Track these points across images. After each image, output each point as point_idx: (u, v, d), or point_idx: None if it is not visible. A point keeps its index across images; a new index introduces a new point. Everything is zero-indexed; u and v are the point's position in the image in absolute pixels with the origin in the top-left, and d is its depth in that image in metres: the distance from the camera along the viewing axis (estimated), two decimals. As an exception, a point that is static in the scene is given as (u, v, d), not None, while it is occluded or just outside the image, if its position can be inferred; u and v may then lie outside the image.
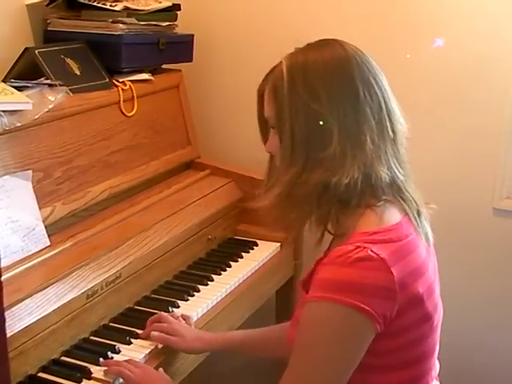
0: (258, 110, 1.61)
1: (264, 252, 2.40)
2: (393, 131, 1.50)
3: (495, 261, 2.55)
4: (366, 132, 1.45)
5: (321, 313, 1.42)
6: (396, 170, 1.50)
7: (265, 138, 1.61)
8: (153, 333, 1.82)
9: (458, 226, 2.56)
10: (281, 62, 1.52)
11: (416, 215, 1.53)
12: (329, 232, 1.56)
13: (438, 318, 1.56)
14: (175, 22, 2.58)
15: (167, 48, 2.51)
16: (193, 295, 2.07)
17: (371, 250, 1.39)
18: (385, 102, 1.50)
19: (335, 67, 1.48)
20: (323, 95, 1.45)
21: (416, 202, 1.54)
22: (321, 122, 1.45)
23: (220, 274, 2.22)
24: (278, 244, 2.45)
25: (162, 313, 1.90)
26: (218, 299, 2.08)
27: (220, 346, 1.88)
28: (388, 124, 1.49)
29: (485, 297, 2.60)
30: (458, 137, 2.52)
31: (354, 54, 1.50)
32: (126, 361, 1.71)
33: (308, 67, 1.47)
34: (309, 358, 1.43)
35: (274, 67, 1.55)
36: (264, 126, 1.60)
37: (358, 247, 1.40)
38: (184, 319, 1.91)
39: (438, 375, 1.66)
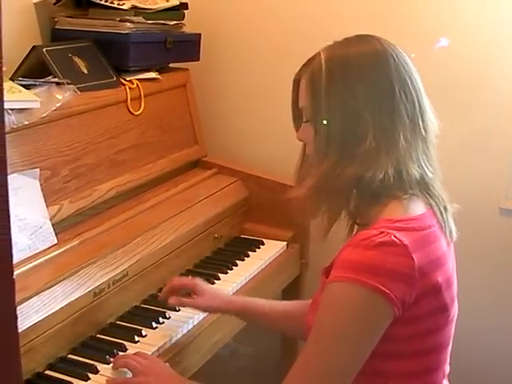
0: (292, 98, 1.62)
1: (270, 251, 2.40)
2: (424, 130, 1.54)
3: (501, 260, 2.55)
4: (399, 129, 1.48)
5: (342, 292, 1.43)
6: (425, 168, 1.53)
7: (297, 127, 1.63)
8: (170, 299, 1.86)
9: (465, 225, 2.53)
10: (319, 53, 1.54)
11: (443, 210, 1.55)
12: (358, 224, 1.59)
13: (454, 312, 1.57)
14: (182, 21, 2.58)
15: (174, 47, 2.51)
16: (199, 294, 2.07)
17: (395, 236, 1.41)
18: (418, 101, 1.52)
19: (373, 65, 1.50)
20: (361, 92, 1.47)
21: (443, 199, 1.57)
22: (357, 118, 1.47)
23: (226, 273, 2.22)
24: (285, 243, 2.45)
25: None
26: (225, 298, 2.08)
27: (232, 308, 1.90)
28: (420, 123, 1.52)
29: (491, 296, 2.59)
30: (464, 137, 2.52)
31: (391, 53, 1.51)
32: (135, 353, 1.72)
33: (347, 61, 1.50)
34: (329, 336, 1.44)
35: (312, 58, 1.55)
36: (297, 114, 1.61)
37: (382, 232, 1.42)
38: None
39: (448, 376, 1.65)
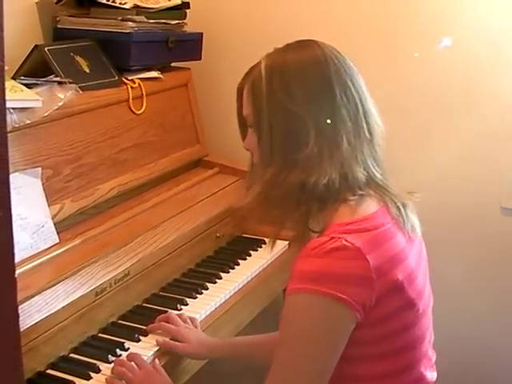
0: (237, 107, 1.63)
1: (272, 250, 2.40)
2: (369, 132, 1.52)
3: (503, 259, 2.54)
4: (342, 133, 1.47)
5: (299, 304, 1.43)
6: (373, 170, 1.52)
7: (243, 136, 1.63)
8: (159, 339, 1.81)
9: (467, 224, 2.56)
10: (260, 61, 1.54)
11: (400, 206, 1.53)
12: (310, 230, 1.56)
13: (425, 305, 1.55)
14: (184, 21, 2.58)
15: (176, 46, 2.51)
16: (201, 293, 2.07)
17: (346, 240, 1.40)
18: (361, 103, 1.51)
19: (313, 68, 1.49)
20: (300, 96, 1.47)
21: (399, 196, 1.56)
22: (298, 123, 1.46)
23: (228, 272, 2.22)
24: (286, 242, 2.45)
25: (172, 313, 1.90)
26: (227, 297, 2.08)
27: (221, 353, 1.87)
28: (364, 125, 1.51)
29: (493, 295, 2.59)
30: (466, 136, 2.52)
31: (331, 56, 1.51)
32: (133, 356, 1.71)
33: (286, 67, 1.49)
34: (292, 350, 1.44)
35: (254, 66, 1.57)
36: (243, 123, 1.61)
37: (333, 238, 1.41)
38: (191, 321, 1.90)
39: (436, 364, 1.65)
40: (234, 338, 2.01)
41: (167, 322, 1.86)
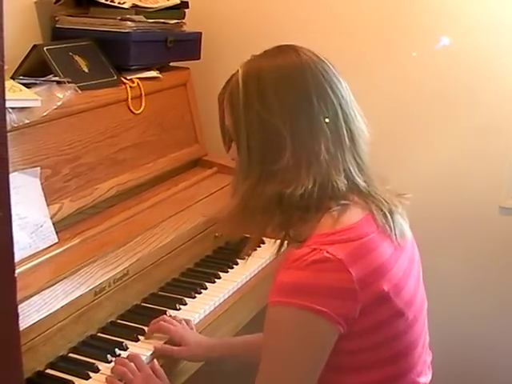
0: (219, 117, 1.61)
1: (271, 250, 2.38)
2: (351, 139, 1.48)
3: (502, 259, 2.55)
4: (320, 142, 1.44)
5: (279, 317, 1.41)
6: (356, 177, 1.48)
7: (227, 146, 1.60)
8: (156, 345, 1.80)
9: (465, 224, 2.56)
10: (238, 69, 1.52)
11: (387, 213, 1.50)
12: (291, 239, 1.54)
13: (416, 312, 1.51)
14: (183, 20, 2.58)
15: (175, 46, 2.51)
16: (200, 293, 2.07)
17: (327, 252, 1.37)
18: (342, 109, 1.47)
19: (288, 76, 1.47)
20: (276, 105, 1.44)
21: (387, 201, 1.52)
22: (274, 134, 1.44)
23: (227, 272, 2.22)
24: (285, 242, 2.45)
25: (165, 316, 1.90)
26: (225, 297, 2.09)
27: (218, 353, 1.87)
28: (345, 132, 1.47)
29: (492, 295, 2.59)
30: (465, 136, 2.52)
31: (308, 62, 1.47)
32: (133, 357, 1.71)
33: (261, 76, 1.47)
34: (274, 362, 1.43)
35: (232, 75, 1.54)
36: (225, 133, 1.59)
37: (314, 249, 1.38)
38: (186, 323, 1.89)
39: (432, 365, 1.64)
40: (233, 338, 2.01)
41: None
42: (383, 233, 1.48)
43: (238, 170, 1.52)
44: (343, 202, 1.46)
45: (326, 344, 1.41)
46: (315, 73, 1.47)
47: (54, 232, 1.90)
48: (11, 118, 1.83)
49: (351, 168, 1.48)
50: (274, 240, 2.40)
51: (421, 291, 1.58)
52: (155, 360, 1.74)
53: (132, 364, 1.68)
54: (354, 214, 1.46)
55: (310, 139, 1.44)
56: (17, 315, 0.88)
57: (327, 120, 1.45)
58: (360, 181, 1.49)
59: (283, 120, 1.43)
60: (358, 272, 1.38)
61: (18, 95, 1.88)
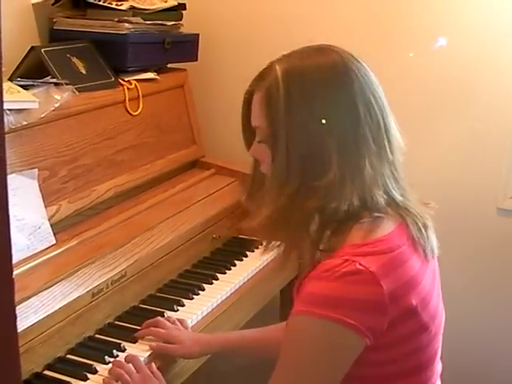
0: (242, 113, 1.54)
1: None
2: (391, 152, 1.45)
3: (499, 260, 2.55)
4: (365, 155, 1.39)
5: (307, 327, 1.39)
6: (393, 191, 1.46)
7: (248, 142, 1.55)
8: (151, 344, 1.80)
9: (463, 225, 2.56)
10: (272, 65, 1.44)
11: (421, 227, 1.48)
12: (321, 251, 1.49)
13: (438, 326, 1.51)
14: (180, 22, 2.59)
15: (172, 47, 2.51)
16: (198, 294, 2.07)
17: (360, 264, 1.34)
18: (383, 120, 1.43)
19: (335, 82, 1.40)
20: (322, 114, 1.38)
21: (421, 215, 1.50)
22: (319, 146, 1.38)
23: (225, 273, 2.22)
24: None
25: (159, 318, 1.89)
26: (223, 298, 2.09)
27: (215, 348, 1.86)
28: (386, 144, 1.44)
29: (489, 296, 2.60)
30: (462, 137, 2.52)
31: (353, 68, 1.42)
32: (131, 358, 1.71)
33: (305, 76, 1.40)
34: (293, 371, 1.42)
35: (266, 72, 1.46)
36: (248, 130, 1.53)
37: (346, 260, 1.35)
38: (180, 322, 1.89)
39: (441, 376, 1.65)
40: (231, 332, 1.99)
41: (156, 327, 1.84)
42: (413, 245, 1.46)
43: (272, 177, 1.45)
44: (377, 214, 1.42)
45: (350, 356, 1.39)
46: (360, 80, 1.41)
47: (52, 233, 1.90)
48: (9, 120, 1.83)
49: (389, 182, 1.45)
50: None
51: (441, 306, 1.56)
52: (153, 363, 1.73)
53: (130, 365, 1.68)
54: (386, 226, 1.44)
55: (355, 152, 1.39)
56: (15, 316, 0.88)
57: (371, 132, 1.40)
58: (397, 195, 1.46)
59: (330, 131, 1.38)
60: (389, 286, 1.35)
61: (15, 97, 1.88)
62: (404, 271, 1.41)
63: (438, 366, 1.59)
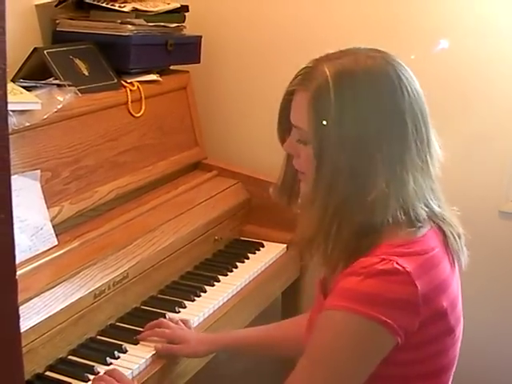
0: (281, 108, 1.51)
1: (270, 253, 2.40)
2: (432, 165, 1.46)
3: (501, 263, 2.55)
4: (409, 170, 1.40)
5: (341, 322, 1.38)
6: (432, 204, 1.47)
7: (283, 137, 1.53)
8: (156, 345, 1.80)
9: (465, 228, 2.55)
10: (321, 66, 1.41)
11: (456, 237, 1.52)
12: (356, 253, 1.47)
13: (460, 330, 1.53)
14: (183, 24, 2.58)
15: (175, 49, 2.52)
16: (199, 296, 2.08)
17: (397, 263, 1.35)
18: (427, 136, 1.44)
19: (387, 96, 1.39)
20: (373, 127, 1.37)
21: (455, 225, 1.53)
22: (367, 159, 1.38)
23: (226, 275, 2.22)
24: (285, 245, 2.45)
25: (162, 319, 1.90)
26: (225, 300, 2.09)
27: (221, 346, 1.87)
28: (429, 159, 1.45)
29: (491, 300, 2.59)
30: (464, 140, 2.52)
31: (403, 78, 1.41)
32: (110, 371, 1.67)
33: (362, 94, 1.38)
34: (324, 365, 1.41)
35: (313, 70, 1.42)
36: (286, 126, 1.51)
37: (384, 259, 1.36)
38: (183, 323, 1.89)
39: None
40: (236, 331, 1.99)
41: (159, 328, 1.85)
42: (445, 249, 1.49)
43: (316, 186, 1.43)
44: (419, 224, 1.43)
45: (381, 353, 1.39)
46: (410, 94, 1.40)
47: (54, 235, 1.90)
48: (11, 121, 1.83)
49: (428, 195, 1.46)
50: (274, 243, 2.44)
51: (461, 310, 1.58)
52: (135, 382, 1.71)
53: (111, 379, 1.63)
54: (420, 228, 1.44)
55: (400, 167, 1.39)
56: (18, 317, 0.88)
57: (416, 147, 1.40)
58: (436, 207, 1.48)
59: (379, 144, 1.38)
60: (423, 286, 1.37)
61: (18, 98, 1.88)
62: (437, 273, 1.43)
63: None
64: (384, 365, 1.40)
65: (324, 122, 1.37)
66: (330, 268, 1.51)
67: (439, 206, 1.50)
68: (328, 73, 1.38)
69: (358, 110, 1.37)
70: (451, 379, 1.59)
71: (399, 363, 1.43)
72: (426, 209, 1.45)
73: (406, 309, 1.37)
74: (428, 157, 1.44)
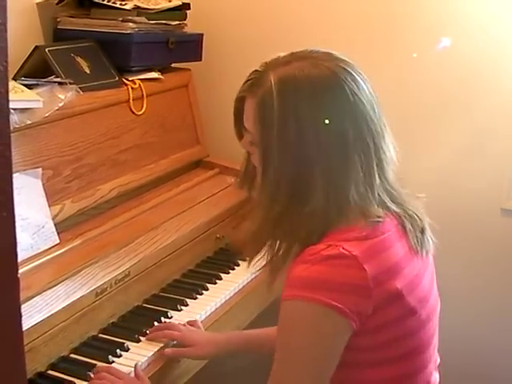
0: (234, 114, 1.54)
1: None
2: (382, 173, 1.46)
3: (503, 261, 2.54)
4: (351, 183, 1.41)
5: (293, 312, 1.41)
6: (389, 204, 1.48)
7: (240, 136, 1.56)
8: (166, 350, 1.79)
9: (466, 226, 2.56)
10: (266, 73, 1.44)
11: (419, 233, 1.52)
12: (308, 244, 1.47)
13: (429, 311, 1.52)
14: (185, 21, 2.58)
15: (176, 47, 2.51)
16: (201, 294, 2.07)
17: (343, 248, 1.37)
18: (374, 144, 1.43)
19: (327, 106, 1.40)
20: (313, 138, 1.39)
21: (420, 218, 1.53)
22: (306, 172, 1.41)
23: (228, 273, 2.22)
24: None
25: (171, 322, 1.90)
26: (227, 298, 2.09)
27: (233, 346, 1.86)
28: (375, 167, 1.44)
29: (493, 297, 2.59)
30: (465, 137, 2.52)
31: (345, 85, 1.41)
32: (108, 369, 1.68)
33: (299, 96, 1.40)
34: (288, 358, 1.43)
35: (259, 78, 1.46)
36: (240, 126, 1.53)
37: (330, 245, 1.38)
38: (191, 325, 1.89)
39: (439, 367, 1.64)
40: (245, 331, 2.00)
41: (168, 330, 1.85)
42: (400, 235, 1.49)
43: (262, 186, 1.47)
44: (375, 219, 1.44)
45: (340, 340, 1.40)
46: (351, 100, 1.41)
47: (56, 233, 1.90)
48: (13, 119, 1.83)
49: (383, 198, 1.47)
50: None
51: (434, 292, 1.59)
52: (137, 366, 1.72)
53: (111, 376, 1.65)
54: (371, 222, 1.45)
55: (341, 179, 1.41)
56: (20, 315, 0.88)
57: (360, 158, 1.41)
58: (394, 207, 1.49)
59: (319, 155, 1.40)
60: (372, 269, 1.38)
61: (19, 96, 1.88)
62: (387, 256, 1.43)
63: (435, 356, 1.60)
64: (349, 351, 1.42)
65: (269, 131, 1.41)
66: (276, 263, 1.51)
67: (398, 204, 1.50)
68: (272, 81, 1.41)
69: (298, 120, 1.39)
70: (433, 366, 1.59)
71: (364, 349, 1.45)
72: (382, 209, 1.46)
73: (357, 293, 1.38)
74: (375, 166, 1.44)
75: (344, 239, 1.40)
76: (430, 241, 1.56)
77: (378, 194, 1.45)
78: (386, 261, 1.42)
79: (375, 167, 1.44)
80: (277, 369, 1.45)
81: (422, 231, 1.53)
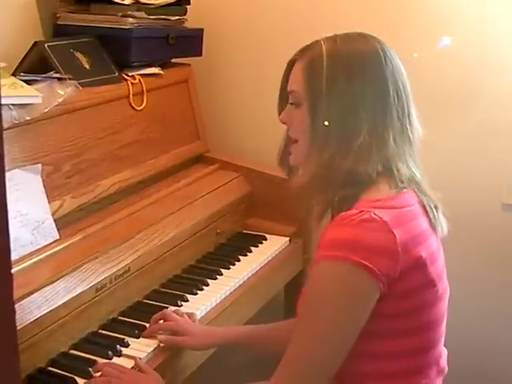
0: (282, 80, 1.65)
1: (273, 246, 2.40)
2: (412, 133, 1.58)
3: (504, 256, 2.54)
4: (389, 130, 1.53)
5: (324, 271, 1.46)
6: (414, 170, 1.58)
7: (281, 108, 1.65)
8: (160, 336, 1.80)
9: (468, 221, 2.56)
10: (319, 42, 1.57)
11: (433, 207, 1.60)
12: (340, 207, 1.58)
13: (443, 289, 1.59)
14: (185, 16, 2.58)
15: (176, 42, 2.51)
16: (202, 289, 2.07)
17: (374, 213, 1.45)
18: (407, 106, 1.58)
19: (373, 65, 1.55)
20: (360, 91, 1.52)
21: (432, 199, 1.61)
22: (354, 116, 1.52)
23: (229, 268, 2.22)
24: (287, 238, 2.45)
25: (166, 310, 1.90)
26: (227, 293, 2.09)
27: (228, 340, 1.87)
28: (408, 126, 1.57)
29: (493, 292, 2.59)
30: (467, 133, 2.52)
31: (390, 57, 1.58)
32: (109, 364, 1.68)
33: (349, 59, 1.54)
34: (316, 317, 1.47)
35: (312, 45, 1.59)
36: (284, 98, 1.64)
37: (362, 211, 1.46)
38: (188, 316, 1.90)
39: (448, 363, 1.66)
40: (240, 326, 2.00)
41: (164, 320, 1.85)
42: (422, 210, 1.58)
43: (311, 139, 1.56)
44: (401, 185, 1.54)
45: (369, 301, 1.45)
46: (394, 68, 1.57)
47: (56, 229, 1.90)
48: (12, 115, 1.82)
49: (410, 161, 1.58)
50: (277, 236, 2.44)
51: (445, 276, 1.63)
52: (138, 359, 1.72)
53: (114, 370, 1.65)
54: (400, 189, 1.55)
55: (382, 125, 1.53)
56: (13, 312, 0.88)
57: (397, 112, 1.55)
58: (417, 174, 1.59)
59: (364, 105, 1.52)
60: (401, 236, 1.45)
61: (19, 92, 1.88)
62: (413, 226, 1.52)
63: (443, 342, 1.64)
64: (373, 318, 1.46)
65: (317, 83, 1.53)
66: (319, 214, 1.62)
67: (420, 176, 1.60)
68: (324, 47, 1.56)
69: (346, 75, 1.53)
70: (440, 346, 1.62)
71: (386, 316, 1.49)
72: (408, 170, 1.57)
73: (386, 255, 1.44)
74: (408, 125, 1.57)
75: (374, 207, 1.47)
76: (443, 220, 1.63)
77: (407, 155, 1.57)
78: (412, 229, 1.50)
79: (408, 128, 1.57)
80: (304, 327, 1.49)
81: (436, 208, 1.61)
